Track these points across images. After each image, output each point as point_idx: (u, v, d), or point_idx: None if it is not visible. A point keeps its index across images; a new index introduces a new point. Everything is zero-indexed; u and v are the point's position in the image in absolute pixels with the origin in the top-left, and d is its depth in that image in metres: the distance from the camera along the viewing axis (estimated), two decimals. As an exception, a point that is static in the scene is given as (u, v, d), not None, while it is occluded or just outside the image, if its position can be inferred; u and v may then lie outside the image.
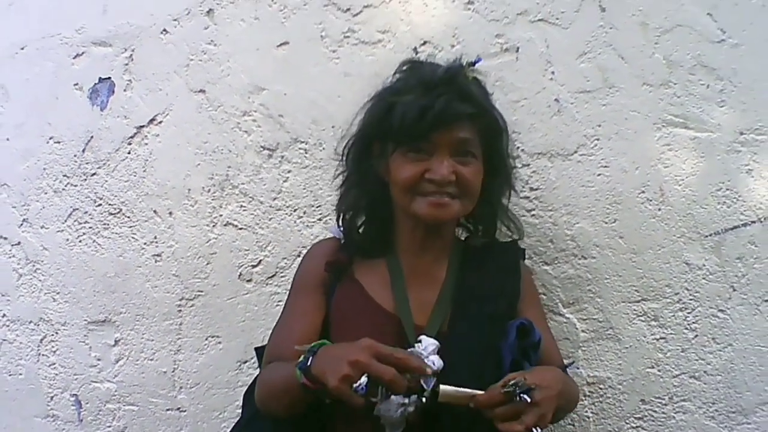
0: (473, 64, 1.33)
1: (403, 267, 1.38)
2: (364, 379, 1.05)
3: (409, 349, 1.18)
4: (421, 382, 1.16)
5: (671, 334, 1.55)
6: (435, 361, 1.18)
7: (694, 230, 1.53)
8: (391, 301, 1.34)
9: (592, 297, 1.59)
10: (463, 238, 1.49)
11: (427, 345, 1.19)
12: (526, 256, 1.57)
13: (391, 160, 1.32)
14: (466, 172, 1.28)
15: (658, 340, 1.56)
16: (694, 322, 1.53)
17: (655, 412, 1.57)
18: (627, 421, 1.58)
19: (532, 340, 1.26)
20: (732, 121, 1.51)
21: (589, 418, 1.61)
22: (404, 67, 1.38)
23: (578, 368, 1.60)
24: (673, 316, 1.54)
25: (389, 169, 1.33)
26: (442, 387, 1.14)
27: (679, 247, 1.53)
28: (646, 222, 1.55)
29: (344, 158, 1.41)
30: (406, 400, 1.16)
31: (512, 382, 1.10)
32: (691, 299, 1.53)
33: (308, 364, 1.13)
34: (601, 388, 1.60)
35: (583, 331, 1.60)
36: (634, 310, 1.57)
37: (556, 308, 1.62)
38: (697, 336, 1.53)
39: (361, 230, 1.44)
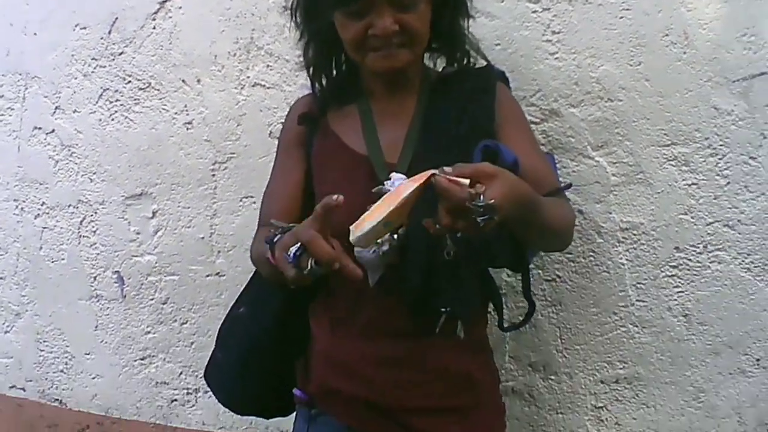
0: None
1: (373, 109, 1.43)
2: (294, 248, 1.06)
3: (377, 187, 1.15)
4: None
5: (703, 180, 1.57)
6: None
7: (721, 75, 1.54)
8: (363, 144, 1.39)
9: (620, 140, 1.63)
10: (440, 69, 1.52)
11: (395, 180, 1.17)
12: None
13: (335, 18, 1.34)
14: (409, 19, 1.29)
15: (689, 185, 1.58)
16: (725, 169, 1.55)
17: (690, 260, 1.60)
18: (662, 269, 1.63)
19: (503, 162, 1.22)
20: None
21: (623, 265, 1.66)
22: None
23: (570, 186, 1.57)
24: (704, 161, 1.56)
25: (336, 25, 1.35)
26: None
27: (706, 92, 1.55)
28: (672, 65, 1.57)
29: (293, 15, 1.43)
30: (379, 241, 1.19)
31: (481, 203, 1.00)
32: (721, 145, 1.55)
33: (274, 240, 1.16)
34: (634, 234, 1.64)
35: (613, 174, 1.64)
36: (664, 154, 1.59)
37: (585, 151, 1.66)
38: (729, 183, 1.55)
39: (325, 81, 1.49)
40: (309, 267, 1.05)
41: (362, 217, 1.04)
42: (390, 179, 1.18)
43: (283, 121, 1.58)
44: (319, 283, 1.30)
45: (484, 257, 1.34)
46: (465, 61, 1.47)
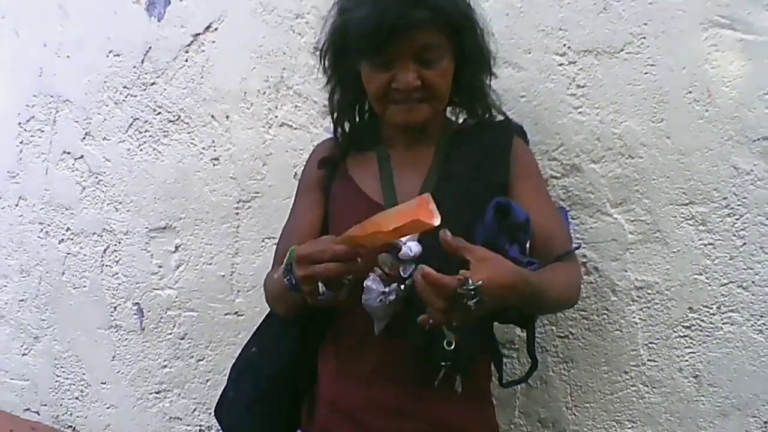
0: None
1: (391, 157, 1.48)
2: (321, 286, 1.18)
3: None
4: (400, 270, 1.27)
5: (719, 240, 1.57)
6: (413, 248, 1.27)
7: (742, 134, 1.53)
8: (380, 192, 1.43)
9: (639, 198, 1.63)
10: (461, 121, 1.57)
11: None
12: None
13: (361, 67, 1.39)
14: (432, 76, 1.34)
15: (705, 245, 1.58)
16: (742, 229, 1.55)
17: (702, 321, 1.60)
18: (675, 329, 1.62)
19: (515, 220, 1.30)
20: None
21: (636, 324, 1.66)
22: None
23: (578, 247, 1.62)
24: (722, 221, 1.56)
25: (361, 74, 1.40)
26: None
27: (727, 151, 1.54)
28: (694, 123, 1.57)
29: (321, 60, 1.48)
30: (386, 289, 1.25)
31: (471, 286, 1.05)
32: (739, 205, 1.55)
33: (294, 282, 1.23)
34: (648, 294, 1.64)
35: (630, 232, 1.64)
36: (682, 213, 1.59)
37: (604, 208, 1.67)
38: (745, 244, 1.55)
39: (348, 128, 1.55)
40: (345, 286, 1.20)
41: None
42: None
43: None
44: (328, 324, 1.44)
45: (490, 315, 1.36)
46: (486, 115, 1.51)
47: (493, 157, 1.45)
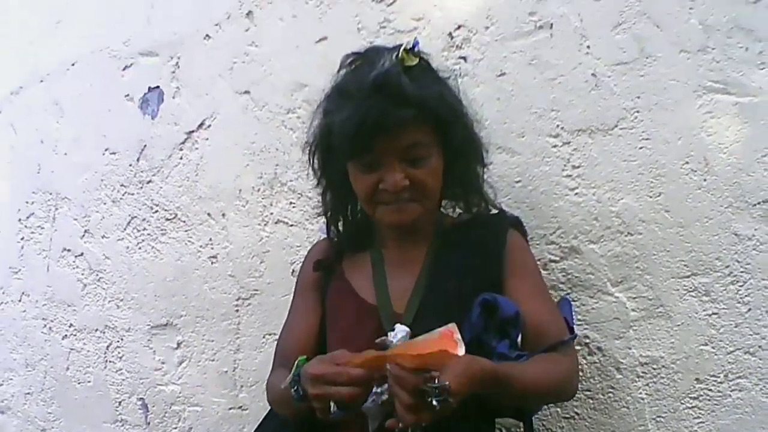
0: (411, 49, 1.31)
1: (384, 257, 1.45)
2: (332, 405, 1.14)
3: (380, 338, 1.23)
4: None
5: (724, 309, 1.53)
6: None
7: (741, 199, 1.51)
8: (373, 294, 1.40)
9: (640, 274, 1.60)
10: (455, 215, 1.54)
11: (398, 332, 1.22)
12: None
13: (348, 169, 1.37)
14: (420, 175, 1.31)
15: (710, 315, 1.55)
16: (746, 296, 1.52)
17: (710, 390, 1.56)
18: (682, 402, 1.58)
19: (504, 315, 1.26)
20: None
21: (643, 399, 1.61)
22: (344, 66, 1.39)
23: (576, 336, 1.57)
24: (725, 290, 1.53)
25: (349, 175, 1.38)
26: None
27: (727, 218, 1.52)
28: (692, 194, 1.55)
29: (310, 162, 1.46)
30: (378, 390, 1.20)
31: (437, 385, 1.03)
32: (742, 271, 1.52)
33: (302, 393, 1.19)
34: (654, 368, 1.60)
35: (633, 310, 1.61)
36: (684, 285, 1.56)
37: (605, 288, 1.63)
38: (750, 310, 1.52)
39: (341, 227, 1.52)
40: (333, 409, 1.13)
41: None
42: (393, 330, 1.23)
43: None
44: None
45: (485, 409, 1.31)
46: (482, 207, 1.48)
47: (487, 253, 1.41)
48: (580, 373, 1.58)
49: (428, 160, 1.32)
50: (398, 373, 1.05)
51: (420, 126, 1.30)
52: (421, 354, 1.08)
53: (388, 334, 1.24)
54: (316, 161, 1.45)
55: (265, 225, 2.04)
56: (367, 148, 1.28)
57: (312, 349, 1.43)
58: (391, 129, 1.26)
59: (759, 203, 1.50)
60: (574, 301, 1.64)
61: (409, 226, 1.38)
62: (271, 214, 2.03)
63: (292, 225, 2.00)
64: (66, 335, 2.47)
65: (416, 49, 1.31)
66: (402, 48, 1.30)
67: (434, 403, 1.02)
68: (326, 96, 1.39)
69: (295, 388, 1.19)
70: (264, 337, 2.05)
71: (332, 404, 1.14)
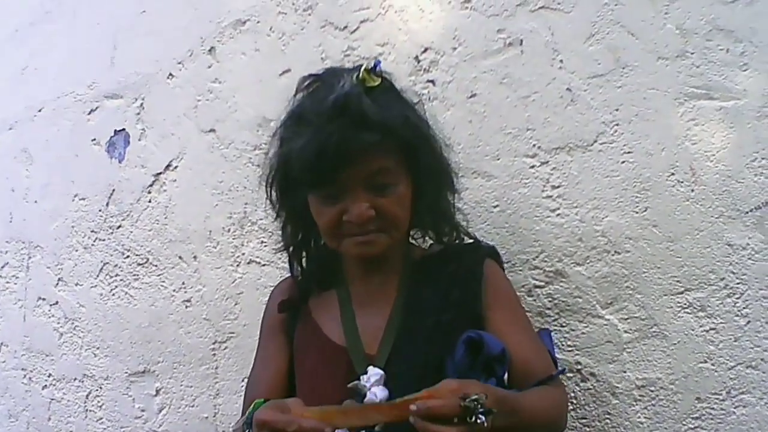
0: (373, 69, 1.19)
1: (352, 295, 1.34)
2: None
3: (353, 383, 1.14)
4: None
5: (721, 323, 1.44)
6: (378, 393, 1.14)
7: (732, 208, 1.43)
8: (342, 334, 1.29)
9: (631, 294, 1.51)
10: (427, 246, 1.43)
11: (371, 375, 1.14)
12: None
13: (309, 200, 1.25)
14: (386, 204, 1.20)
15: (707, 331, 1.45)
16: (744, 308, 1.43)
17: (713, 409, 1.46)
18: (684, 423, 1.48)
19: (490, 352, 1.16)
20: (758, 85, 1.41)
21: (642, 423, 1.51)
22: (300, 90, 1.28)
23: (565, 370, 1.51)
24: (721, 303, 1.44)
25: (310, 208, 1.26)
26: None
27: (719, 228, 1.43)
28: (680, 206, 1.46)
29: (267, 194, 1.33)
30: None
31: (474, 397, 0.95)
32: (738, 283, 1.43)
33: (251, 427, 1.06)
34: (652, 391, 1.50)
35: (625, 331, 1.51)
36: (678, 302, 1.47)
37: (594, 311, 1.54)
38: (749, 322, 1.42)
39: (305, 264, 1.40)
40: None
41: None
42: (366, 373, 1.15)
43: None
44: None
45: None
46: (454, 237, 1.37)
47: (464, 285, 1.29)
48: (574, 401, 1.51)
49: (395, 188, 1.20)
50: (434, 410, 0.94)
51: (385, 151, 1.18)
52: (397, 404, 0.98)
53: (361, 377, 1.15)
54: (273, 193, 1.32)
55: (237, 266, 1.92)
56: (329, 177, 1.15)
57: (280, 395, 1.29)
58: (354, 155, 1.14)
59: (751, 210, 1.41)
60: (563, 326, 1.55)
61: (377, 258, 1.27)
62: (243, 254, 1.92)
63: (264, 264, 1.88)
64: (46, 385, 2.34)
65: (377, 69, 1.19)
66: (363, 68, 1.18)
67: (480, 419, 0.94)
68: (282, 122, 1.26)
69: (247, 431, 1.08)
70: (243, 381, 1.88)
71: None
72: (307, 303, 1.36)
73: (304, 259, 1.39)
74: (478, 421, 0.93)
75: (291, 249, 1.38)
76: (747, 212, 1.41)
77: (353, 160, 1.14)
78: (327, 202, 1.20)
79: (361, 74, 1.18)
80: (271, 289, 1.80)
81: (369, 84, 1.18)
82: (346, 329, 1.29)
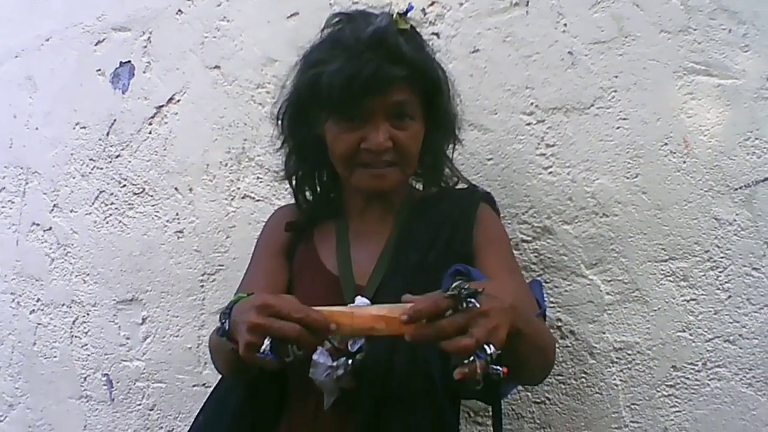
0: (405, 13, 1.23)
1: (350, 227, 1.35)
2: (267, 343, 0.94)
3: None
4: (348, 344, 1.12)
5: (702, 295, 1.43)
6: None
7: (722, 183, 1.41)
8: (336, 264, 1.30)
9: (616, 257, 1.50)
10: (421, 188, 1.43)
11: (358, 304, 1.12)
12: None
13: (326, 128, 1.25)
14: (404, 137, 1.22)
15: (688, 301, 1.44)
16: (726, 282, 1.42)
17: (687, 379, 1.46)
18: (658, 389, 1.47)
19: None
20: (757, 67, 1.40)
21: (617, 386, 1.50)
22: (331, 25, 1.28)
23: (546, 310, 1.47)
24: (704, 275, 1.43)
25: (326, 136, 1.27)
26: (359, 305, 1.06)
27: (707, 202, 1.42)
28: (671, 176, 1.45)
29: (279, 123, 1.34)
30: (334, 364, 1.12)
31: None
32: (722, 257, 1.42)
33: (227, 328, 1.05)
34: (629, 354, 1.50)
35: (608, 293, 1.50)
36: (662, 270, 1.46)
37: (579, 270, 1.53)
38: (730, 297, 1.41)
39: (308, 194, 1.40)
40: (292, 356, 0.97)
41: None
42: (354, 302, 1.14)
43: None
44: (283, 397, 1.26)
45: (455, 386, 1.17)
46: (453, 182, 1.39)
47: (456, 226, 1.29)
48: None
49: (412, 123, 1.23)
50: (424, 310, 0.92)
51: (410, 87, 1.21)
52: (385, 318, 0.97)
53: (348, 305, 1.12)
54: (285, 122, 1.32)
55: (231, 200, 1.91)
56: (356, 102, 1.17)
57: None
58: (383, 85, 1.17)
59: (741, 188, 1.40)
60: (546, 282, 1.54)
61: (384, 193, 1.28)
62: (238, 188, 1.90)
63: (258, 200, 1.86)
64: (33, 310, 2.31)
65: (409, 14, 1.23)
66: (396, 12, 1.23)
67: (470, 302, 0.91)
68: (314, 47, 1.26)
69: (225, 321, 1.05)
70: (229, 313, 1.90)
71: (267, 344, 0.94)
72: (312, 228, 1.37)
73: (308, 192, 1.39)
74: (469, 305, 0.91)
75: (296, 182, 1.38)
76: (736, 189, 1.40)
77: (381, 89, 1.17)
78: (347, 128, 1.21)
79: (395, 16, 1.22)
80: (263, 224, 1.79)
81: (401, 26, 1.21)
82: (340, 259, 1.30)
